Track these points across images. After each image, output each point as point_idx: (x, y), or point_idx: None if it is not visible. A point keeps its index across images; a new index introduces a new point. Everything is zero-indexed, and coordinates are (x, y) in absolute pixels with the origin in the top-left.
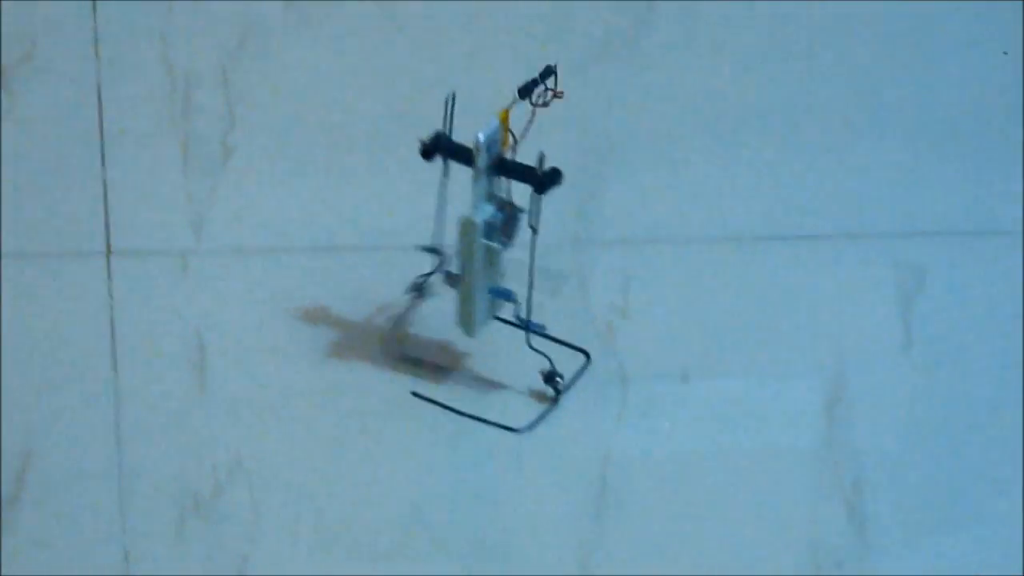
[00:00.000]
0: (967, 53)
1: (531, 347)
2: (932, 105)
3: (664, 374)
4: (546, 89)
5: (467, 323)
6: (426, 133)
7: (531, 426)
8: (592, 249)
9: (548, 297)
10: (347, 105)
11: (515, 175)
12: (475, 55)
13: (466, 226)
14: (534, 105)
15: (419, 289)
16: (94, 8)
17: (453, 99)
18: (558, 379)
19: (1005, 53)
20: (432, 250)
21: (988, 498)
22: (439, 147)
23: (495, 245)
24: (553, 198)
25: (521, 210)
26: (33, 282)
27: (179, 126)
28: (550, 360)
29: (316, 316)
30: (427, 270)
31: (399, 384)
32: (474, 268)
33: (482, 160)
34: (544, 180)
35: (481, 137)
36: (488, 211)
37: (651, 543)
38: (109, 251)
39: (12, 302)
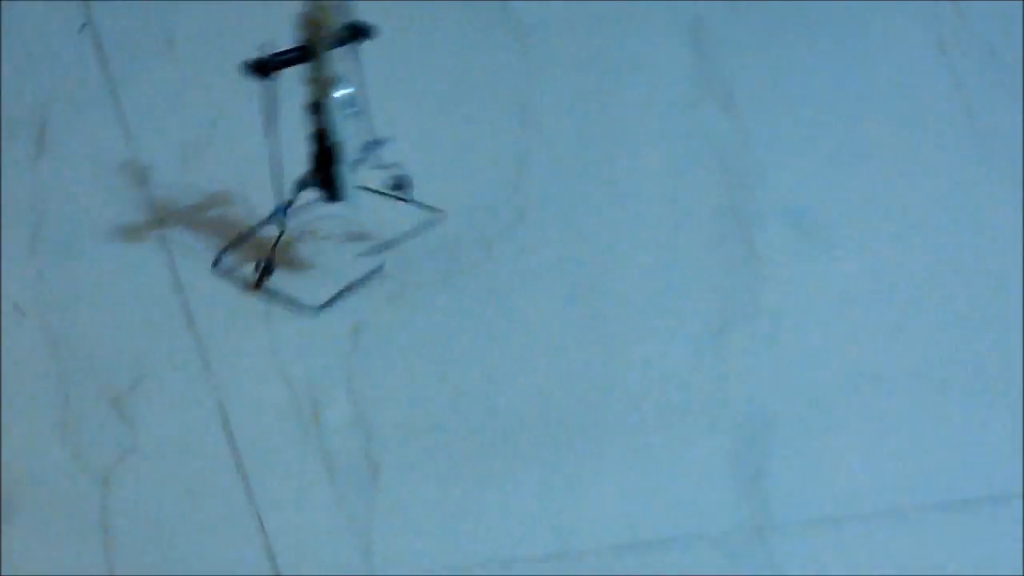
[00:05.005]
0: None
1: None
2: None
3: None
4: None
5: (341, 189)
6: None
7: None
8: (777, 537)
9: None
10: (486, 399)
11: (344, 42)
12: None
13: (333, 102)
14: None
15: (268, 269)
16: (191, 322)
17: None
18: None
19: None
20: (284, 209)
21: None
22: (272, 61)
23: (355, 110)
24: (712, 480)
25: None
26: None
27: (314, 442)
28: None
29: None
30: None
31: None
32: (345, 138)
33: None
34: (367, 29)
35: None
36: (342, 86)
37: None
38: None
39: None
